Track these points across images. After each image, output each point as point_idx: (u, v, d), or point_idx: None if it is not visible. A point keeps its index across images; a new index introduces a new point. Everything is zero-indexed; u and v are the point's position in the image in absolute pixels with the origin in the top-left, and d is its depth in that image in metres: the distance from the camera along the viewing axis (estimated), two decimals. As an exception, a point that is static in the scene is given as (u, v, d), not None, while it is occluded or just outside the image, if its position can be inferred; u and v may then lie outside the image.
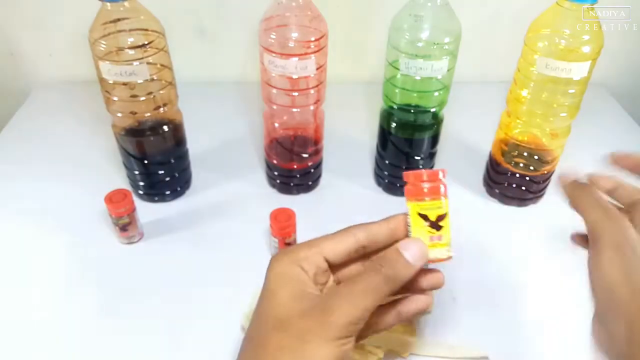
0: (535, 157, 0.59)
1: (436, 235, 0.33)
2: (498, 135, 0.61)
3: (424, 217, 0.33)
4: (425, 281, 0.34)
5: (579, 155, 0.71)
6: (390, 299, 0.34)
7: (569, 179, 0.35)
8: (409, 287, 0.34)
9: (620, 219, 0.30)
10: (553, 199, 0.63)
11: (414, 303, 0.34)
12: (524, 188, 0.61)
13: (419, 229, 0.33)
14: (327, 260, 0.32)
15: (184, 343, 0.46)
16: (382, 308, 0.34)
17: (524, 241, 0.58)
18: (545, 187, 0.62)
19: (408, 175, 0.33)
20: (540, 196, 0.63)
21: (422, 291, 0.34)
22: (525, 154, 0.59)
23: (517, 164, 0.60)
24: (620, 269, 0.28)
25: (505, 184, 0.61)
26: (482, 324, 0.48)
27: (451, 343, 0.46)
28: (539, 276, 0.53)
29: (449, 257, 0.33)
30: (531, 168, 0.59)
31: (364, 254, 0.34)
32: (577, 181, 0.35)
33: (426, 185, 0.33)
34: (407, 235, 0.34)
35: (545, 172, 0.60)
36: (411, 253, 0.31)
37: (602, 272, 0.29)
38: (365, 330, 0.32)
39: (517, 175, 0.60)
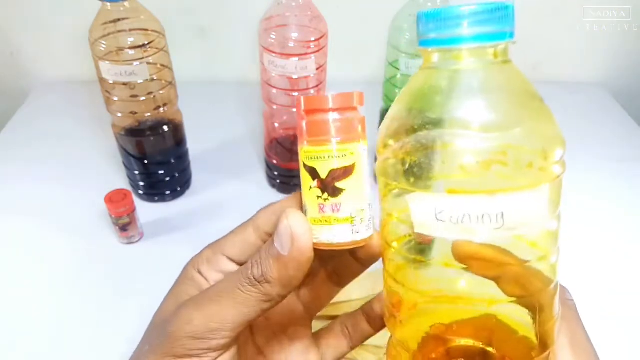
0: None
1: (329, 203, 0.20)
2: None
3: (311, 172, 0.20)
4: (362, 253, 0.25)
5: (579, 155, 0.71)
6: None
7: None
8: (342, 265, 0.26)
9: None
10: None
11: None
12: None
13: (306, 191, 0.21)
14: (233, 260, 0.26)
15: (184, 343, 0.46)
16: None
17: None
18: None
19: (302, 101, 0.21)
20: None
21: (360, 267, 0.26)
22: None
23: None
24: None
25: None
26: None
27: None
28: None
29: (361, 241, 0.22)
30: None
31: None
32: None
33: (328, 117, 0.21)
34: None
35: None
36: (282, 240, 0.21)
37: None
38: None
39: None
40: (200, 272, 0.26)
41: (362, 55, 0.84)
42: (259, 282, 0.22)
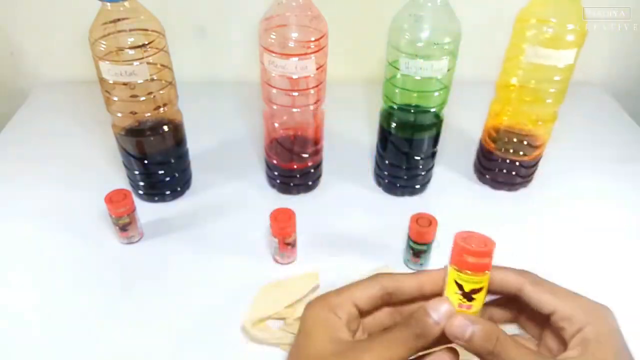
0: (524, 143, 0.61)
1: (465, 304, 0.32)
2: (488, 122, 0.63)
3: (459, 286, 0.32)
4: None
5: (579, 155, 0.71)
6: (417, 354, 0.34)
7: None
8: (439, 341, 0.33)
9: None
10: (541, 183, 0.65)
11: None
12: (513, 173, 0.62)
13: (452, 292, 0.33)
14: (356, 307, 0.33)
15: (183, 343, 0.46)
16: None
17: (516, 225, 0.59)
18: (534, 171, 0.64)
19: (458, 241, 0.32)
20: (529, 180, 0.64)
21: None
22: (514, 139, 0.61)
23: (506, 149, 0.61)
24: None
25: (496, 170, 0.63)
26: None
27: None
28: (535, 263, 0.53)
29: None
30: (520, 153, 0.61)
31: (389, 302, 0.35)
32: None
33: (472, 260, 0.32)
34: (436, 292, 0.34)
35: (534, 157, 0.62)
36: (439, 314, 0.31)
37: None
38: None
39: (507, 161, 0.62)
40: (335, 314, 0.32)
41: (362, 55, 0.84)
42: (418, 337, 0.31)
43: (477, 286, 0.32)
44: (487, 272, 0.32)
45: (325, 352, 0.31)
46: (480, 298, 0.32)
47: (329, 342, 0.31)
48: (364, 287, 0.34)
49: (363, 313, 0.34)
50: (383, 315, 0.36)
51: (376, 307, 0.35)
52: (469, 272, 0.32)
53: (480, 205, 0.62)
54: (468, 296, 0.32)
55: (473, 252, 0.31)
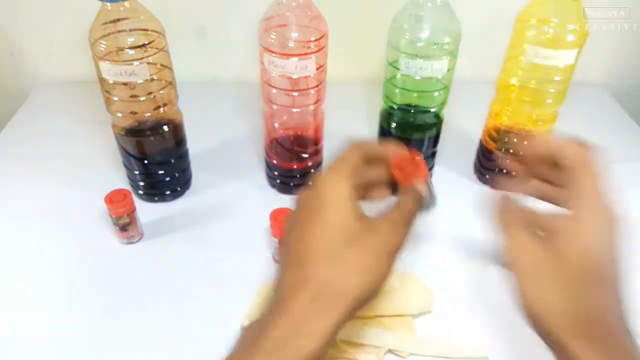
0: (524, 143, 0.60)
1: None
2: (488, 122, 0.63)
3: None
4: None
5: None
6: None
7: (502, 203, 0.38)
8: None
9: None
10: None
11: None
12: (514, 173, 0.62)
13: None
14: (360, 174, 0.35)
15: (183, 343, 0.46)
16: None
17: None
18: None
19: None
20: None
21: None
22: (514, 139, 0.61)
23: (506, 149, 0.61)
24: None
25: (496, 170, 0.63)
26: (481, 323, 0.48)
27: (451, 343, 0.46)
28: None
29: None
30: (521, 153, 0.60)
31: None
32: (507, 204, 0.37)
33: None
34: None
35: None
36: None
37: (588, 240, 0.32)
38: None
39: (508, 160, 0.61)
40: (353, 188, 0.34)
41: (362, 55, 0.84)
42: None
43: None
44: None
45: (353, 226, 0.32)
46: None
47: (355, 219, 0.32)
48: (354, 155, 0.36)
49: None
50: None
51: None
52: None
53: (480, 205, 0.62)
54: None
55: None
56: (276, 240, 0.50)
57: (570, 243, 0.32)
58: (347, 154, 0.36)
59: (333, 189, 0.33)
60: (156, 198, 0.61)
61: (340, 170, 0.34)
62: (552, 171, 0.37)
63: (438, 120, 0.58)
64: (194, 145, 0.62)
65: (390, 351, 0.45)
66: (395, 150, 0.38)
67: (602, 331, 0.30)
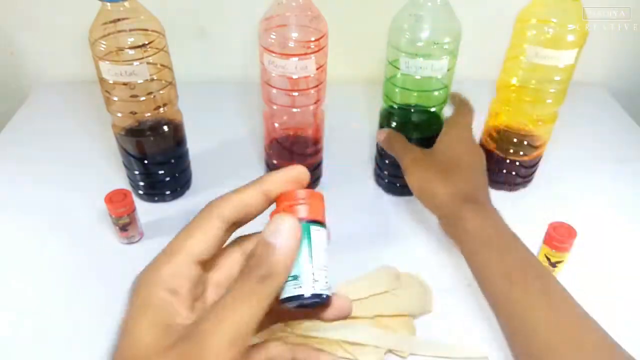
0: (524, 143, 0.61)
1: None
2: (488, 122, 0.63)
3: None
4: (330, 313, 0.28)
5: (579, 155, 0.71)
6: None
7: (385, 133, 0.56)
8: (313, 316, 0.29)
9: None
10: (542, 183, 0.65)
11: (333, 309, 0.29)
12: (513, 173, 0.62)
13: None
14: (198, 263, 0.27)
15: (184, 343, 0.45)
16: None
17: (516, 224, 0.59)
18: (534, 171, 0.64)
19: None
20: (529, 180, 0.64)
21: (329, 320, 0.29)
22: (514, 139, 0.61)
23: (506, 149, 0.61)
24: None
25: (496, 170, 0.63)
26: (481, 323, 0.48)
27: (451, 343, 0.46)
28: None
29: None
30: (520, 153, 0.61)
31: (241, 225, 0.29)
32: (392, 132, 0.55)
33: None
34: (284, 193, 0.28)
35: (534, 157, 0.62)
36: (282, 235, 0.25)
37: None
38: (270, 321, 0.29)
39: (507, 160, 0.62)
40: (170, 291, 0.26)
41: (362, 55, 0.84)
42: (265, 279, 0.24)
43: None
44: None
45: (151, 352, 0.24)
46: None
47: (158, 336, 0.24)
48: (201, 230, 0.27)
49: (209, 261, 0.27)
50: (232, 257, 0.29)
51: (224, 242, 0.28)
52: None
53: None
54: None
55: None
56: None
57: (438, 144, 0.51)
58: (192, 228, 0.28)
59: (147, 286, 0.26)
60: (156, 198, 0.61)
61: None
62: None
63: (438, 120, 0.58)
64: (194, 145, 0.62)
65: (390, 351, 0.45)
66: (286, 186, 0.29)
67: (474, 200, 0.45)
